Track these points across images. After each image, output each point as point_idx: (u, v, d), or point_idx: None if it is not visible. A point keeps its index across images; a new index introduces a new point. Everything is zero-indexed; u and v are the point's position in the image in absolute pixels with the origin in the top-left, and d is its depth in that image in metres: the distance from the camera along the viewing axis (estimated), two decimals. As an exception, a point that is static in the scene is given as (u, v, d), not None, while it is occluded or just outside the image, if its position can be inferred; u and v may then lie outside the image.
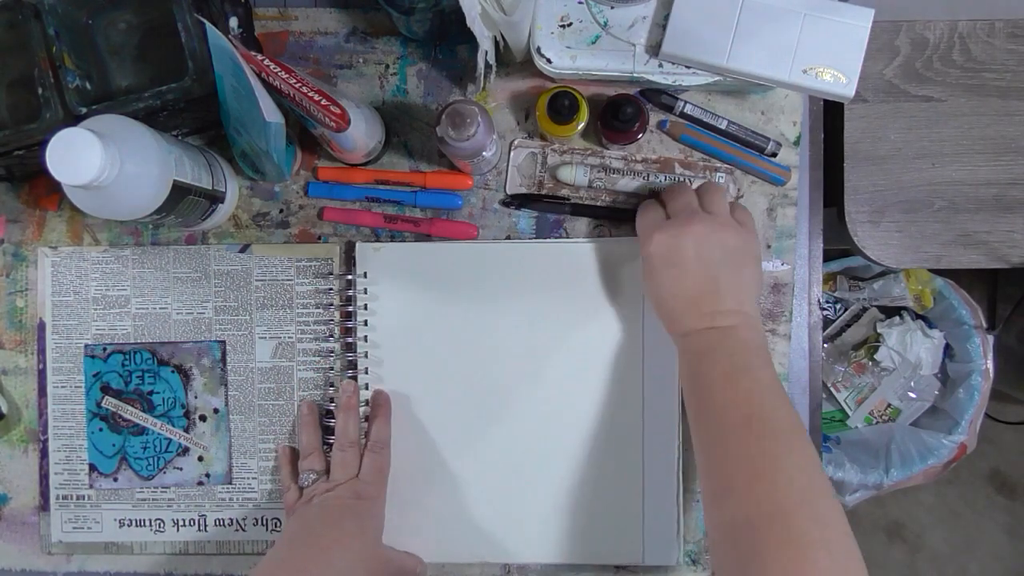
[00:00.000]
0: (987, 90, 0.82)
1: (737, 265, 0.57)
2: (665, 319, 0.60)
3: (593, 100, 0.65)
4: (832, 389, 1.33)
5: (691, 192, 0.61)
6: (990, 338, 1.23)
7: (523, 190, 0.67)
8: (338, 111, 0.55)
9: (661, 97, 0.66)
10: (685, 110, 0.66)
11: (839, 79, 0.58)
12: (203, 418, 0.68)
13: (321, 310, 0.68)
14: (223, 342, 0.68)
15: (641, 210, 0.62)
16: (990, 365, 1.23)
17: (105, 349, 0.68)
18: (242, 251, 0.68)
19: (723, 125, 0.66)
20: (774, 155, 0.66)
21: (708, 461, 0.54)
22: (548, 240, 0.67)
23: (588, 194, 0.67)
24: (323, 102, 0.55)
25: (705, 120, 0.66)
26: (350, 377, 0.66)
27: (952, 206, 0.84)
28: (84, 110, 0.59)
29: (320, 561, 0.57)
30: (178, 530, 0.68)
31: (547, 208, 0.67)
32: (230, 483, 0.68)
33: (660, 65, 0.61)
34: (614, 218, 0.67)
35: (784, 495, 0.48)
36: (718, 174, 0.67)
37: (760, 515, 0.48)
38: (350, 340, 0.67)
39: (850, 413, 1.33)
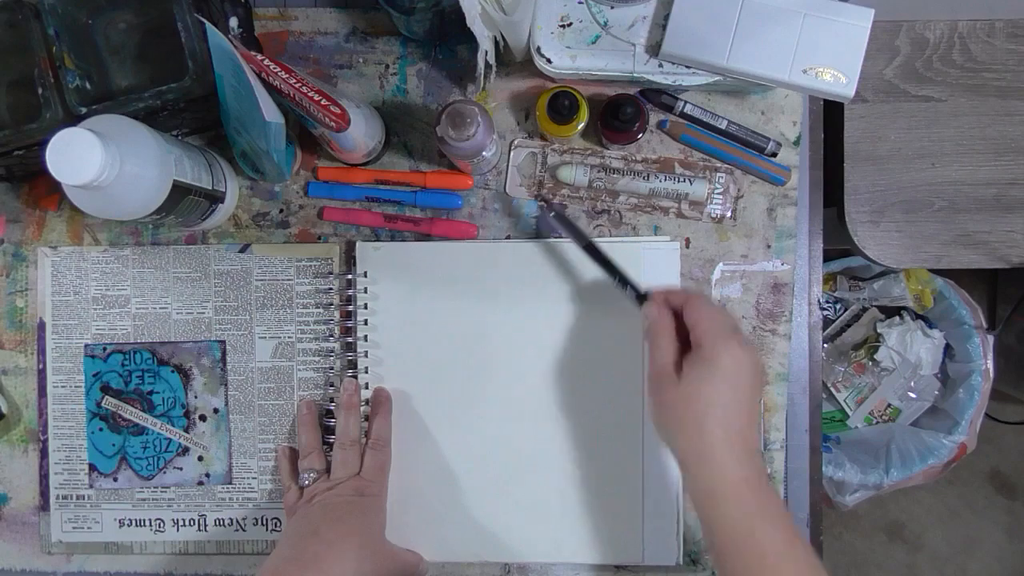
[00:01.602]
0: (987, 90, 0.82)
1: (758, 405, 0.56)
2: (706, 446, 0.51)
3: (593, 100, 0.65)
4: (832, 389, 1.33)
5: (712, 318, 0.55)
6: (990, 338, 1.23)
7: (524, 191, 0.67)
8: (338, 111, 0.55)
9: (661, 97, 0.66)
10: (685, 110, 0.66)
11: (839, 79, 0.58)
12: (203, 418, 0.68)
13: (321, 310, 0.68)
14: (223, 342, 0.68)
15: (705, 301, 0.55)
16: (990, 365, 1.23)
17: (105, 349, 0.68)
18: (242, 251, 0.68)
19: (723, 125, 0.66)
20: (774, 155, 0.66)
21: None
22: (548, 240, 0.67)
23: (588, 194, 0.67)
24: (323, 102, 0.55)
25: (705, 120, 0.66)
26: (350, 376, 0.66)
27: (952, 206, 0.84)
28: (84, 110, 0.59)
29: (329, 556, 0.57)
30: (178, 530, 0.68)
31: (569, 231, 0.64)
32: (230, 483, 0.68)
33: (660, 65, 0.61)
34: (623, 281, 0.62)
35: None
36: (718, 174, 0.67)
37: None
38: (350, 340, 0.67)
39: (850, 413, 1.33)
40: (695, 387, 0.51)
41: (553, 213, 0.64)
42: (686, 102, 0.66)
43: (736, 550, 0.50)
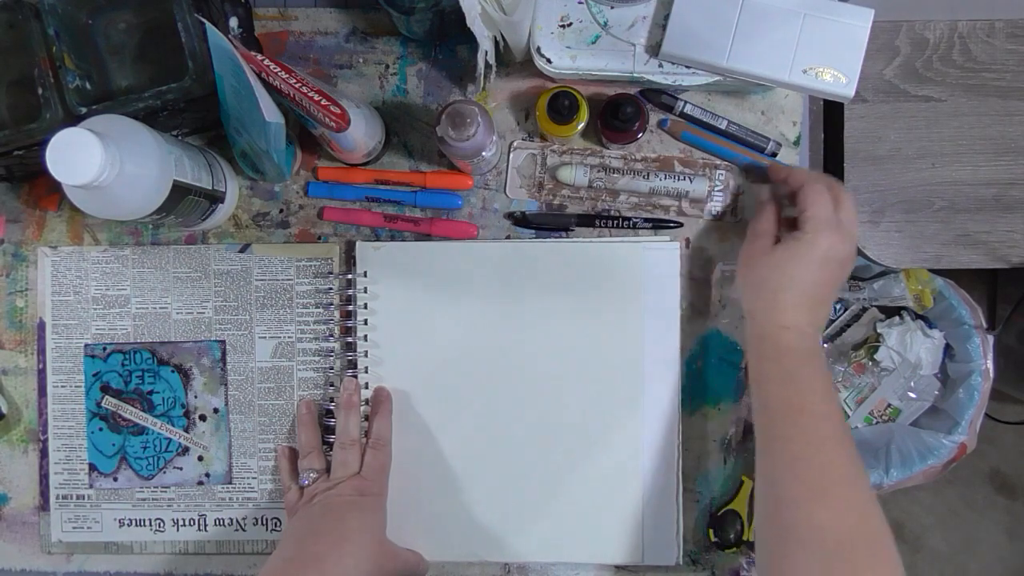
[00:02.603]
0: (987, 90, 0.82)
1: (839, 288, 0.60)
2: (778, 304, 0.57)
3: (593, 100, 0.65)
4: (832, 389, 1.33)
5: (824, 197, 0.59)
6: (990, 338, 1.23)
7: (524, 192, 0.67)
8: (338, 111, 0.55)
9: (661, 97, 0.66)
10: (685, 110, 0.66)
11: (839, 79, 0.58)
12: (203, 418, 0.68)
13: (321, 310, 0.68)
14: (223, 342, 0.68)
15: (819, 189, 0.58)
16: (990, 365, 1.23)
17: (105, 349, 0.68)
18: (242, 251, 0.68)
19: (723, 125, 0.66)
20: (774, 155, 0.66)
21: (794, 460, 0.55)
22: (548, 240, 0.67)
23: (588, 194, 0.67)
24: (323, 102, 0.55)
25: (705, 120, 0.66)
26: (350, 376, 0.66)
27: (952, 206, 0.84)
28: (84, 110, 0.59)
29: (332, 556, 0.57)
30: (178, 530, 0.68)
31: (551, 227, 0.67)
32: (230, 483, 0.68)
33: (660, 65, 0.61)
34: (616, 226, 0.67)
35: (877, 517, 0.53)
36: (718, 171, 0.67)
37: (860, 534, 0.52)
38: (350, 339, 0.67)
39: (850, 413, 1.33)
40: (783, 261, 0.57)
41: (522, 222, 0.67)
42: (686, 102, 0.66)
43: (782, 405, 0.56)
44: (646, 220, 0.67)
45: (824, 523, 0.52)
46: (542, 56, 0.61)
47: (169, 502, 0.68)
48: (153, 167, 0.54)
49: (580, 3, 0.61)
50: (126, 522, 0.68)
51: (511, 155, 0.67)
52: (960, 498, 1.49)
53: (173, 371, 0.68)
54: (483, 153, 0.60)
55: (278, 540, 0.67)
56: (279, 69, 0.55)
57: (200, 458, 0.68)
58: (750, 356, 0.60)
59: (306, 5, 0.68)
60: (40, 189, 0.69)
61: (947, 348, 1.30)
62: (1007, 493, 1.50)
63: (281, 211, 0.68)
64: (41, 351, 0.68)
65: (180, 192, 0.57)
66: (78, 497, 0.68)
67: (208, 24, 0.54)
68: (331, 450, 0.65)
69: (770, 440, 0.57)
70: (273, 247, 0.68)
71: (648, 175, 0.66)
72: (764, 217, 0.61)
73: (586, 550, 0.66)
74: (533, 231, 0.67)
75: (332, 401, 0.67)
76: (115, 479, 0.68)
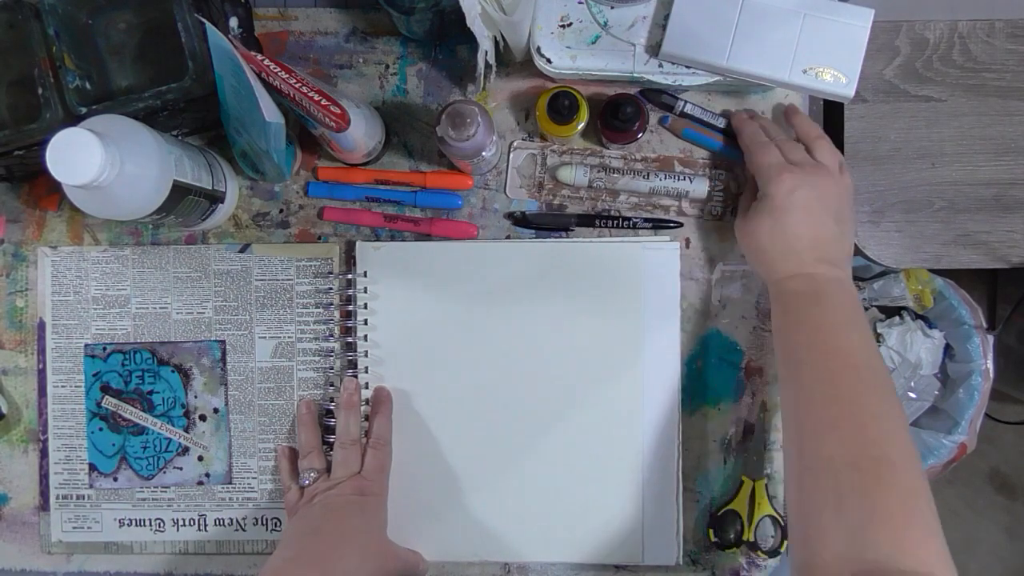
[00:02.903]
0: (987, 90, 0.82)
1: (847, 220, 0.60)
2: (772, 260, 0.59)
3: (593, 100, 0.65)
4: (832, 389, 1.33)
5: (803, 146, 0.62)
6: (990, 338, 1.23)
7: (524, 192, 0.67)
8: (338, 111, 0.55)
9: (661, 97, 0.66)
10: (685, 110, 0.66)
11: (839, 79, 0.58)
12: (203, 418, 0.68)
13: (321, 310, 0.68)
14: (223, 342, 0.68)
15: (757, 147, 0.61)
16: (990, 365, 1.23)
17: (105, 349, 0.68)
18: (242, 251, 0.68)
19: (723, 125, 0.66)
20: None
21: (810, 398, 0.55)
22: (548, 240, 0.67)
23: (588, 194, 0.67)
24: (323, 102, 0.55)
25: (706, 120, 0.66)
26: (351, 376, 0.66)
27: (952, 206, 0.84)
28: (84, 110, 0.59)
29: (331, 556, 0.57)
30: (178, 530, 0.68)
31: (551, 227, 0.67)
32: (230, 483, 0.68)
33: (660, 65, 0.61)
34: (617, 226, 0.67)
35: (892, 444, 0.52)
36: (718, 171, 0.67)
37: (867, 457, 0.51)
38: (350, 339, 0.67)
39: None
40: (752, 223, 0.60)
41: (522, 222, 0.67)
42: (686, 102, 0.66)
43: (795, 347, 0.57)
44: (646, 220, 0.67)
45: (832, 453, 0.52)
46: (542, 56, 0.61)
47: (169, 502, 0.68)
48: (153, 167, 0.54)
49: (580, 3, 0.61)
50: (126, 522, 0.68)
51: (511, 155, 0.67)
52: (960, 498, 1.49)
53: (173, 371, 0.68)
54: (483, 153, 0.60)
55: (278, 540, 0.67)
56: (279, 69, 0.55)
57: (200, 458, 0.68)
58: (772, 319, 0.61)
59: (306, 5, 0.68)
60: (40, 189, 0.69)
61: (947, 348, 1.30)
62: (1007, 493, 1.50)
63: (281, 211, 0.68)
64: (41, 351, 0.68)
65: (180, 192, 0.57)
66: (78, 497, 0.68)
67: (208, 24, 0.54)
68: (331, 450, 0.65)
69: (785, 377, 0.58)
70: (273, 247, 0.68)
71: (648, 175, 0.66)
72: (747, 187, 0.64)
73: (586, 550, 0.66)
74: (533, 231, 0.67)
75: (332, 401, 0.67)
76: (115, 479, 0.68)
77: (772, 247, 0.59)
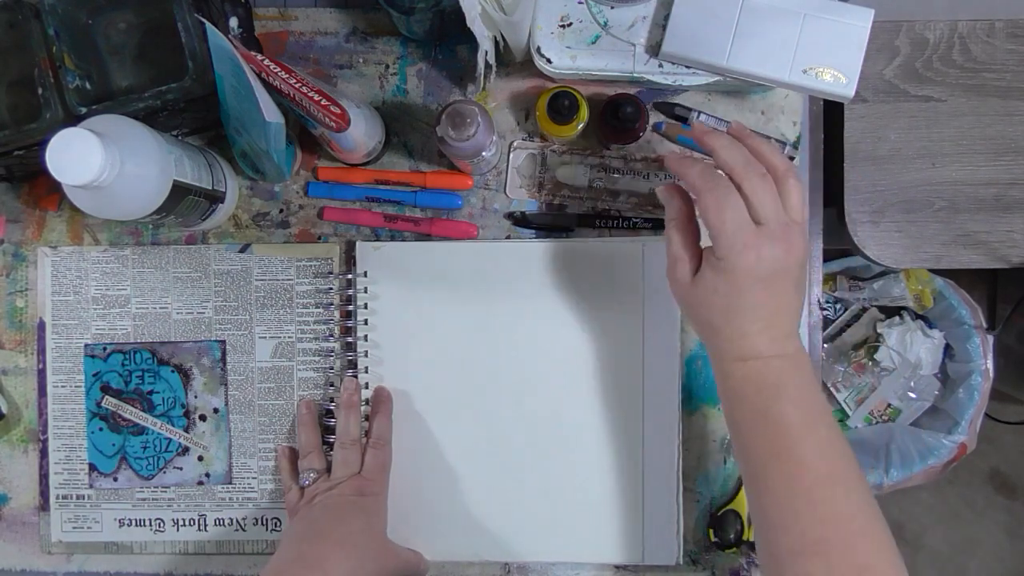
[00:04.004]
0: (987, 90, 0.82)
1: (804, 283, 0.52)
2: (723, 340, 0.50)
3: (593, 100, 0.65)
4: (832, 389, 1.33)
5: (775, 190, 0.49)
6: (990, 338, 1.23)
7: (524, 192, 0.67)
8: (338, 111, 0.55)
9: (675, 109, 0.65)
10: (699, 120, 0.65)
11: (839, 79, 0.58)
12: (203, 418, 0.68)
13: (321, 310, 0.68)
14: (223, 342, 0.68)
15: (715, 197, 0.48)
16: (990, 365, 1.23)
17: (105, 349, 0.68)
18: (242, 251, 0.68)
19: None
20: (791, 159, 0.66)
21: (780, 514, 0.48)
22: (548, 239, 0.67)
23: (588, 194, 0.67)
24: (323, 102, 0.55)
25: (720, 129, 0.65)
26: (351, 375, 0.66)
27: (952, 206, 0.84)
28: (84, 110, 0.59)
29: (333, 557, 0.57)
30: (178, 530, 0.68)
31: (551, 227, 0.67)
32: (230, 483, 0.68)
33: (660, 65, 0.61)
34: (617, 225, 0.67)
35: (879, 556, 0.48)
36: (718, 171, 0.67)
37: None
38: (350, 339, 0.67)
39: (850, 413, 1.33)
40: (707, 295, 0.50)
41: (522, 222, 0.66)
42: (700, 112, 0.65)
43: (758, 450, 0.49)
44: (646, 220, 0.67)
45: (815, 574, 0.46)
46: (542, 56, 0.61)
47: (169, 502, 0.68)
48: (153, 167, 0.54)
49: (580, 3, 0.61)
50: (126, 522, 0.68)
51: (511, 155, 0.67)
52: (960, 498, 1.49)
53: (173, 371, 0.68)
54: (483, 153, 0.60)
55: (278, 540, 0.67)
56: (279, 69, 0.55)
57: (200, 458, 0.68)
58: (720, 395, 0.53)
59: (306, 5, 0.68)
60: (40, 189, 0.69)
61: (947, 348, 1.30)
62: (1007, 493, 1.50)
63: (281, 211, 0.68)
64: (41, 351, 0.68)
65: (180, 192, 0.57)
66: (78, 497, 0.68)
67: (208, 24, 0.54)
68: (331, 450, 0.65)
69: (754, 489, 0.50)
70: (273, 247, 0.68)
71: (648, 175, 0.66)
72: (671, 236, 0.52)
73: (586, 550, 0.66)
74: (533, 231, 0.67)
75: (332, 401, 0.67)
76: (115, 479, 0.68)
77: (726, 325, 0.50)
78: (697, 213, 0.52)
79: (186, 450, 0.68)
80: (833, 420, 0.50)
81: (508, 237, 0.67)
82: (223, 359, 0.68)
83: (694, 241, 0.52)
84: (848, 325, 1.34)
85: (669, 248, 0.53)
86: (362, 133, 0.61)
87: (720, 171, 0.50)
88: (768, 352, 0.49)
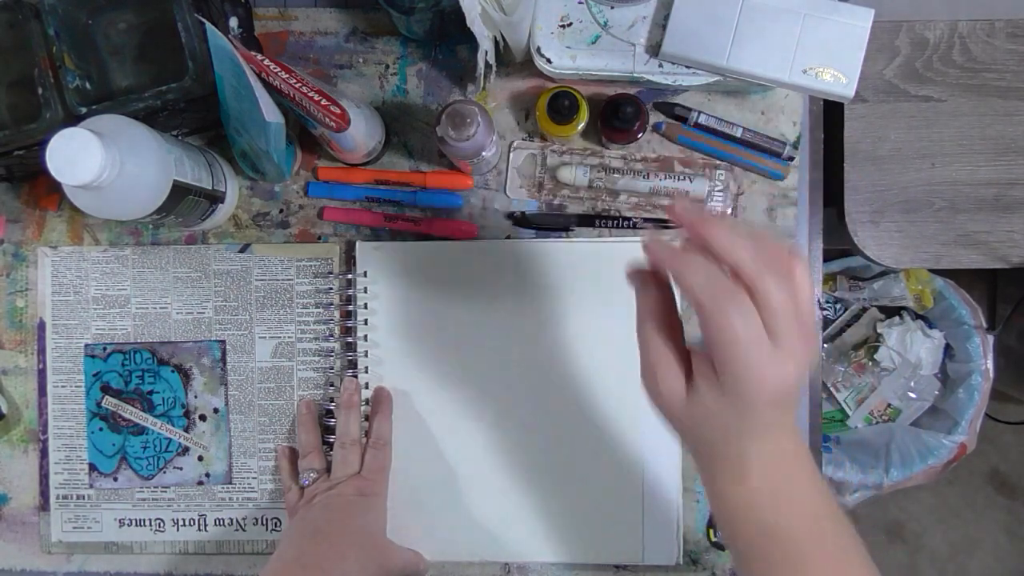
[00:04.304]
0: (987, 90, 0.82)
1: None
2: (720, 457, 0.44)
3: (593, 100, 0.65)
4: (832, 389, 1.33)
5: (793, 294, 0.39)
6: (990, 338, 1.23)
7: (524, 192, 0.67)
8: (338, 111, 0.55)
9: (675, 109, 0.66)
10: (699, 120, 0.65)
11: (839, 79, 0.58)
12: (203, 418, 0.68)
13: (321, 310, 0.68)
14: (223, 342, 0.68)
15: (721, 308, 0.38)
16: (990, 365, 1.23)
17: (105, 349, 0.68)
18: (242, 251, 0.68)
19: (738, 133, 0.66)
20: (791, 159, 0.66)
21: None
22: (548, 240, 0.67)
23: (588, 194, 0.67)
24: (323, 102, 0.55)
25: (720, 129, 0.65)
26: (351, 375, 0.66)
27: (952, 206, 0.84)
28: (84, 110, 0.59)
29: (333, 556, 0.57)
30: (178, 530, 0.68)
31: (551, 227, 0.67)
32: (230, 483, 0.68)
33: (660, 65, 0.61)
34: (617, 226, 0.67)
35: None
36: (718, 171, 0.67)
37: None
38: (350, 339, 0.67)
39: (850, 413, 1.33)
40: (704, 415, 0.41)
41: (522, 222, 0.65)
42: (700, 112, 0.65)
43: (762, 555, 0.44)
44: (646, 220, 0.67)
45: None
46: (542, 56, 0.61)
47: (169, 502, 0.68)
48: (153, 167, 0.54)
49: (580, 3, 0.61)
50: (126, 522, 0.68)
51: (511, 155, 0.67)
52: (960, 498, 1.49)
53: (173, 371, 0.68)
54: (483, 153, 0.60)
55: (278, 540, 0.67)
56: (279, 69, 0.55)
57: (200, 458, 0.68)
58: (716, 514, 0.46)
59: (306, 5, 0.68)
60: (40, 189, 0.69)
61: (947, 348, 1.30)
62: (1007, 493, 1.50)
63: (281, 211, 0.68)
64: (41, 351, 0.68)
65: (180, 192, 0.57)
66: (78, 497, 0.68)
67: (208, 24, 0.54)
68: (331, 450, 0.65)
69: None
70: (273, 247, 0.68)
71: (648, 175, 0.66)
72: (649, 339, 0.43)
73: (586, 550, 0.66)
74: (533, 231, 0.67)
75: (332, 401, 0.67)
76: (115, 479, 0.68)
77: (725, 447, 0.43)
78: (679, 305, 0.44)
79: (186, 450, 0.68)
80: (840, 514, 0.45)
81: (508, 237, 0.67)
82: (223, 359, 0.68)
83: (677, 341, 0.43)
84: (848, 325, 1.34)
85: (646, 354, 0.43)
86: (362, 133, 0.61)
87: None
88: (773, 474, 0.43)
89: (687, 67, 0.61)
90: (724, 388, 0.40)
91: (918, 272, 1.25)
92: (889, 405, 1.32)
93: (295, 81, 0.55)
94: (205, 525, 0.68)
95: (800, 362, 0.40)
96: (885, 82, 0.82)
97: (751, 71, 0.59)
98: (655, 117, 0.67)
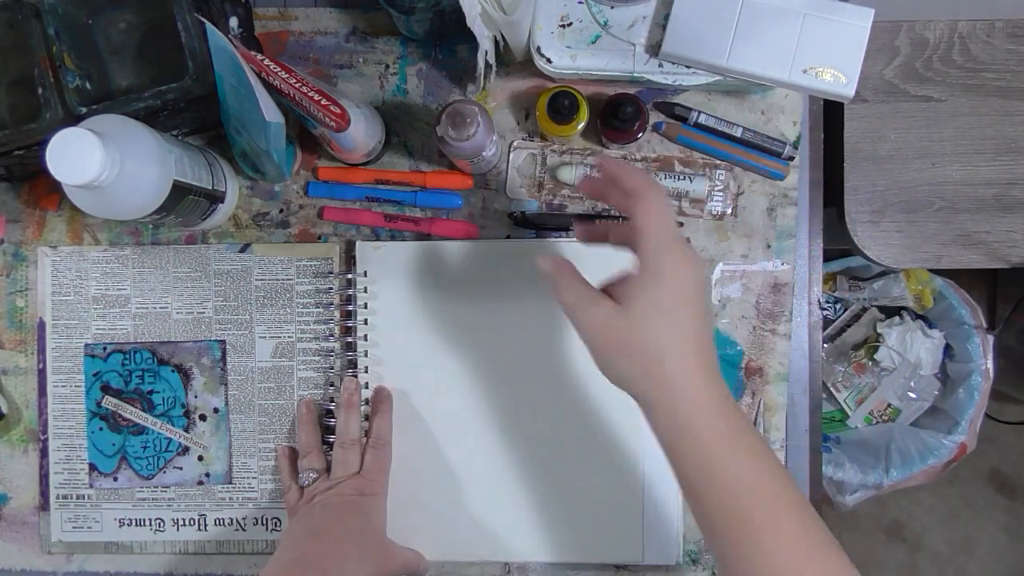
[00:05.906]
0: (987, 90, 0.82)
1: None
2: (663, 386, 0.45)
3: (593, 100, 0.65)
4: (832, 389, 1.33)
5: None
6: (990, 338, 1.23)
7: (524, 192, 0.67)
8: (338, 111, 0.55)
9: (675, 108, 0.66)
10: (699, 120, 0.65)
11: (839, 79, 0.58)
12: (203, 417, 0.68)
13: (321, 309, 0.68)
14: (223, 342, 0.68)
15: (663, 200, 0.46)
16: (990, 365, 1.23)
17: (105, 348, 0.68)
18: (242, 251, 0.68)
19: (739, 133, 0.66)
20: (791, 159, 0.66)
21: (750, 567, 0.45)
22: (548, 239, 0.67)
23: (588, 194, 0.67)
24: (323, 102, 0.55)
25: (720, 129, 0.65)
26: (351, 375, 0.66)
27: (952, 206, 0.84)
28: (84, 110, 0.59)
29: (333, 556, 0.57)
30: (178, 530, 0.68)
31: (551, 227, 0.67)
32: (230, 483, 0.68)
33: (660, 65, 0.61)
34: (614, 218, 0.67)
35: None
36: (718, 171, 0.67)
37: None
38: (350, 339, 0.67)
39: (850, 413, 1.33)
40: (646, 317, 0.44)
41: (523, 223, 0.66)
42: (700, 112, 0.65)
43: (711, 484, 0.45)
44: (646, 220, 0.66)
45: None
46: (542, 56, 0.61)
47: (169, 502, 0.68)
48: (153, 167, 0.54)
49: (580, 3, 0.61)
50: (126, 522, 0.68)
51: (511, 155, 0.67)
52: (960, 498, 1.49)
53: (173, 371, 0.68)
54: (483, 153, 0.60)
55: (278, 540, 0.67)
56: (279, 69, 0.55)
57: (200, 458, 0.68)
58: (662, 442, 0.48)
59: (306, 5, 0.68)
60: (40, 189, 0.69)
61: (947, 348, 1.30)
62: (1007, 493, 1.50)
63: (281, 211, 0.68)
64: (41, 351, 0.68)
65: (180, 192, 0.57)
66: (78, 497, 0.68)
67: (208, 24, 0.54)
68: (331, 450, 0.65)
69: (718, 555, 0.46)
70: (273, 247, 0.68)
71: (647, 175, 0.66)
72: (571, 286, 0.49)
73: (586, 550, 0.66)
74: (533, 231, 0.67)
75: (332, 401, 0.67)
76: (115, 479, 0.68)
77: (664, 358, 0.44)
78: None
79: (186, 450, 0.68)
80: (772, 455, 0.47)
81: (508, 237, 0.67)
82: (223, 359, 0.68)
83: (573, 274, 0.50)
84: (848, 325, 1.34)
85: (575, 298, 0.48)
86: (362, 133, 0.61)
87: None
88: (701, 396, 0.45)
89: (687, 67, 0.61)
90: (647, 279, 0.45)
91: (918, 272, 1.25)
92: (889, 405, 1.33)
93: (295, 81, 0.55)
94: (205, 525, 0.68)
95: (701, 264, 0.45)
96: (885, 82, 0.82)
97: (751, 71, 0.59)
98: (655, 117, 0.67)
